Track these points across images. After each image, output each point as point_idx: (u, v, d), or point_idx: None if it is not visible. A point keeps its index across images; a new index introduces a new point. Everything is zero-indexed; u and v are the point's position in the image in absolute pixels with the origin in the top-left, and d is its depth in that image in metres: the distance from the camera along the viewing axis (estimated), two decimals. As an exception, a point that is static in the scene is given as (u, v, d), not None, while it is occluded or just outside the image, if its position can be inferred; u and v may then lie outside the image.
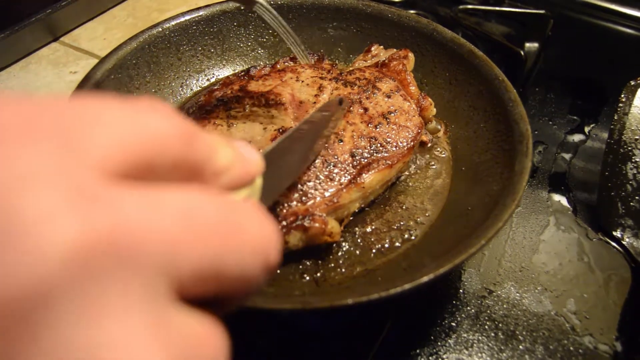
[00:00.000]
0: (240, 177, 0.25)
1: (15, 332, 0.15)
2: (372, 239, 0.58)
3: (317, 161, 0.56)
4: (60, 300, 0.16)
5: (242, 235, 0.21)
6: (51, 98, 0.19)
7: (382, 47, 0.76)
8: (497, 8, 1.06)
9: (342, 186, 0.55)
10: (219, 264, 0.20)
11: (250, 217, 0.22)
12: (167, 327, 0.18)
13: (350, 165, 0.57)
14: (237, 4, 0.80)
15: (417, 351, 0.54)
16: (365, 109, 0.63)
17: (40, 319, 0.15)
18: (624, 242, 0.65)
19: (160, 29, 0.74)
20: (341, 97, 0.59)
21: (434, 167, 0.67)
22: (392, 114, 0.63)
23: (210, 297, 0.21)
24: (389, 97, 0.65)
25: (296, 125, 0.44)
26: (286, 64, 0.73)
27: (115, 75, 0.68)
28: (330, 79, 0.67)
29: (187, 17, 0.77)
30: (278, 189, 0.42)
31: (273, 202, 0.41)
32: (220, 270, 0.20)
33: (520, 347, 0.55)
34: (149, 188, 0.19)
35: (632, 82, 0.71)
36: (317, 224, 0.51)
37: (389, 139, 0.60)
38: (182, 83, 0.77)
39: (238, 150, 0.25)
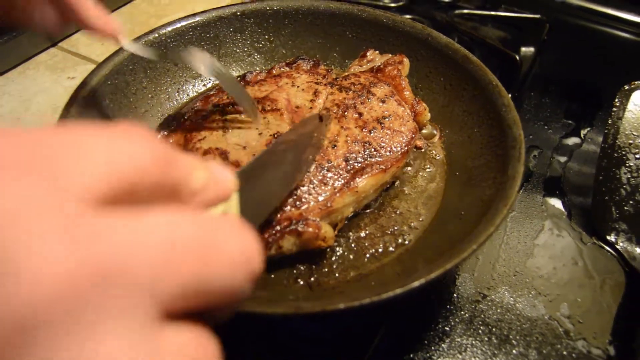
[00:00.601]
0: (215, 196, 0.27)
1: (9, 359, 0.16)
2: (366, 244, 0.58)
3: (311, 166, 0.56)
4: (50, 329, 0.17)
5: (223, 251, 0.22)
6: (27, 130, 0.20)
7: (377, 52, 0.76)
8: (493, 13, 1.07)
9: (336, 191, 0.55)
10: (202, 283, 0.21)
11: (230, 231, 0.23)
12: (155, 346, 0.19)
13: (344, 169, 0.57)
14: (234, 10, 0.80)
15: (411, 356, 0.54)
16: (360, 114, 0.63)
17: (32, 346, 0.16)
18: (618, 247, 0.65)
19: (157, 35, 0.75)
20: (321, 114, 0.59)
21: (428, 171, 0.67)
22: (387, 119, 0.63)
23: (197, 310, 0.22)
24: (383, 102, 0.65)
25: (275, 141, 0.45)
26: (282, 69, 0.73)
27: (112, 81, 0.68)
28: (325, 84, 0.67)
29: (184, 23, 0.77)
30: (265, 207, 0.42)
31: (262, 221, 0.41)
32: (204, 288, 0.21)
33: (514, 351, 0.55)
34: (130, 214, 0.20)
35: (627, 87, 0.71)
36: (310, 229, 0.52)
37: (383, 144, 0.61)
38: (179, 88, 0.77)
39: (212, 171, 0.26)
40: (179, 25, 0.77)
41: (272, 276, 0.55)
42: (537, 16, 1.05)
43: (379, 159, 0.59)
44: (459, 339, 0.56)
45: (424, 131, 0.71)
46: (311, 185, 0.55)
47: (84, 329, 0.17)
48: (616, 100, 0.71)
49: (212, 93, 0.69)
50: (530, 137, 0.81)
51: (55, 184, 0.18)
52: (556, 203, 0.72)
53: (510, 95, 0.65)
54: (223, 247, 0.22)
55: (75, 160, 0.19)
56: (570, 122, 0.86)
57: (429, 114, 0.68)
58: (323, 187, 0.55)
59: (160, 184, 0.22)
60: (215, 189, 0.26)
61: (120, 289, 0.18)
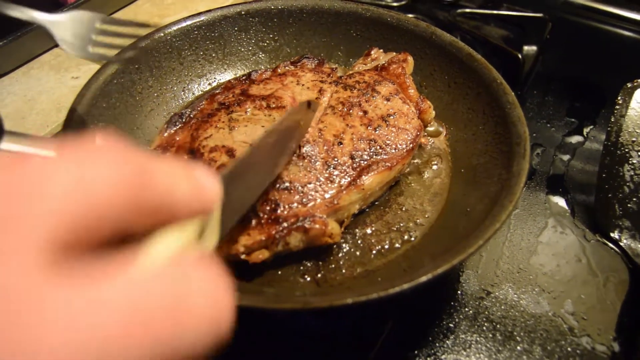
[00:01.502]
0: (199, 208, 0.25)
1: None
2: (372, 240, 0.59)
3: (317, 163, 0.57)
4: None
5: (190, 316, 0.21)
6: None
7: (381, 50, 0.76)
8: (496, 12, 1.07)
9: (342, 188, 0.56)
10: (167, 352, 0.20)
11: (200, 287, 0.22)
12: None
13: (350, 167, 0.57)
14: (238, 9, 0.81)
15: (416, 352, 0.54)
16: (365, 112, 0.63)
17: None
18: (621, 244, 0.65)
19: (162, 34, 0.75)
20: (310, 100, 0.59)
21: (433, 168, 0.68)
22: (392, 117, 0.63)
23: None
24: (388, 100, 0.66)
25: (262, 136, 0.44)
26: (287, 67, 0.73)
27: (118, 80, 0.69)
28: (330, 83, 0.68)
29: (189, 22, 0.78)
30: (247, 201, 0.41)
31: (243, 215, 0.40)
32: (168, 355, 0.20)
33: (518, 347, 0.55)
34: (88, 281, 0.19)
35: (629, 85, 0.72)
36: (317, 225, 0.52)
37: (388, 142, 0.61)
38: (184, 87, 0.78)
39: (196, 181, 0.25)
40: (184, 24, 0.77)
41: (279, 272, 0.55)
42: (540, 15, 1.05)
43: (385, 157, 0.60)
44: (463, 336, 0.56)
45: (429, 129, 0.71)
46: (318, 183, 0.55)
47: None
48: (619, 98, 0.71)
49: (217, 91, 0.69)
50: (534, 135, 0.82)
51: (6, 233, 0.17)
52: (559, 201, 0.72)
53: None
54: (192, 311, 0.21)
55: (33, 201, 0.18)
56: (573, 120, 0.86)
57: (434, 112, 0.69)
58: (329, 185, 0.56)
59: (136, 205, 0.21)
60: (199, 201, 0.25)
61: None
